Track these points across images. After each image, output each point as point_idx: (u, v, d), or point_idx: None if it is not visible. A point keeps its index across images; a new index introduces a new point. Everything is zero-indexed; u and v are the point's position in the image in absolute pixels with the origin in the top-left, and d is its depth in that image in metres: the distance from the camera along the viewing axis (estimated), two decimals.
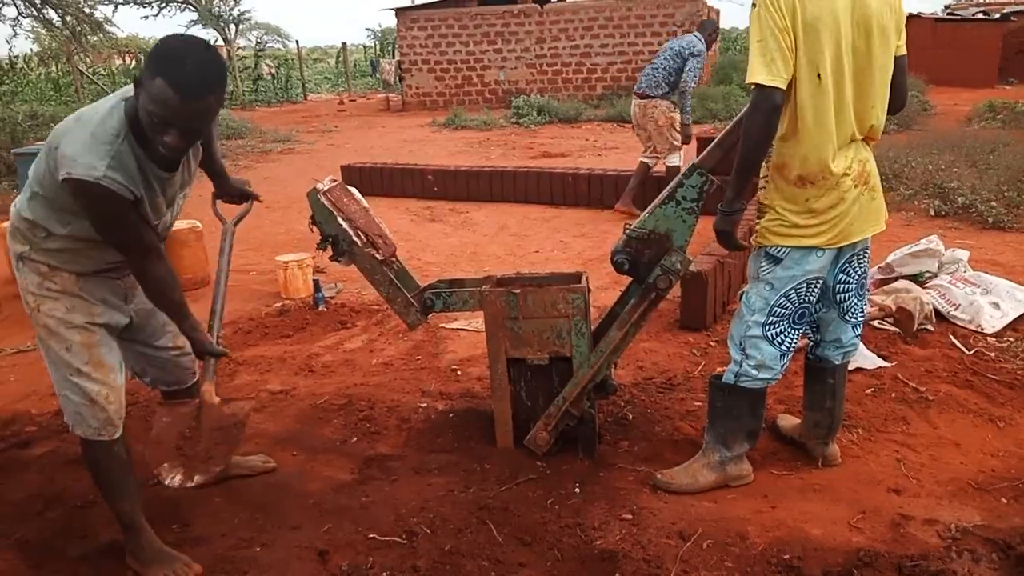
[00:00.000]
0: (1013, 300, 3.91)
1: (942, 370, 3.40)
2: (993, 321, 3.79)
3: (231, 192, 2.70)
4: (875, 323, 3.81)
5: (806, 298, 2.42)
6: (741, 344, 2.50)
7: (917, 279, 4.14)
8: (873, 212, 2.40)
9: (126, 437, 2.26)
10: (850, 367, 3.21)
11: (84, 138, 1.87)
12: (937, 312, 3.88)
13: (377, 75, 24.54)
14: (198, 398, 2.44)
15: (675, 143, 6.60)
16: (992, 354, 3.55)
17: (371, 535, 2.40)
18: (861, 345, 3.48)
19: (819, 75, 2.15)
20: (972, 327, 3.79)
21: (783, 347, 2.48)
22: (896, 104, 2.38)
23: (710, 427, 2.64)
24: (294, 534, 2.44)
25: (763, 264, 2.42)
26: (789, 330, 2.46)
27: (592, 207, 7.21)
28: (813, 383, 2.71)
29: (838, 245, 2.36)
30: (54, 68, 20.94)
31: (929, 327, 3.80)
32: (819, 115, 2.20)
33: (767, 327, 2.44)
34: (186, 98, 1.81)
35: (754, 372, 2.49)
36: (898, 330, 3.77)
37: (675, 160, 6.63)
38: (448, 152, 11.26)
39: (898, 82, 2.34)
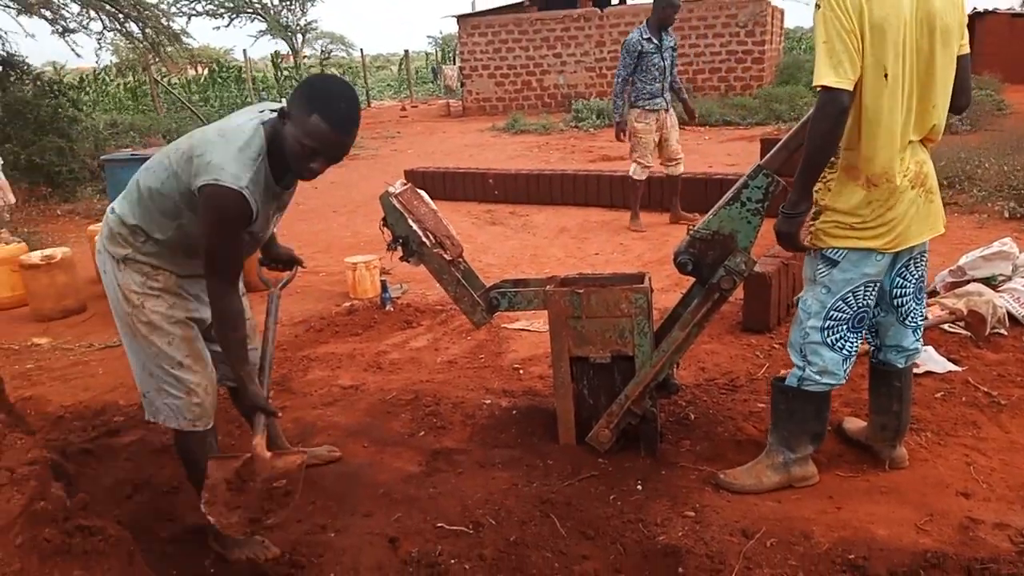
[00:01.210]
0: None
1: (1015, 375, 3.32)
2: None
3: (278, 258, 2.72)
4: (946, 327, 3.74)
5: (864, 301, 2.40)
6: (802, 351, 2.49)
7: (990, 282, 4.04)
8: (931, 215, 2.37)
9: (215, 428, 2.40)
10: (919, 371, 3.17)
11: (232, 152, 2.05)
12: (1011, 316, 3.78)
13: (438, 81, 24.90)
14: (250, 452, 2.25)
15: (634, 155, 6.46)
16: None
17: (439, 524, 2.48)
18: (931, 349, 3.42)
19: (886, 75, 2.14)
20: None
21: (844, 352, 2.45)
22: (960, 103, 2.36)
23: (773, 429, 2.64)
24: (366, 521, 2.55)
25: (819, 267, 2.40)
26: (849, 334, 2.44)
27: (652, 210, 7.19)
28: (879, 387, 2.68)
29: (896, 249, 2.33)
30: (131, 78, 21.89)
31: (1002, 331, 3.70)
32: (884, 116, 2.18)
33: (825, 332, 2.42)
34: (340, 133, 2.05)
35: (817, 377, 2.48)
36: (969, 334, 3.69)
37: (632, 171, 6.51)
38: (508, 156, 11.38)
39: (962, 81, 2.31)
